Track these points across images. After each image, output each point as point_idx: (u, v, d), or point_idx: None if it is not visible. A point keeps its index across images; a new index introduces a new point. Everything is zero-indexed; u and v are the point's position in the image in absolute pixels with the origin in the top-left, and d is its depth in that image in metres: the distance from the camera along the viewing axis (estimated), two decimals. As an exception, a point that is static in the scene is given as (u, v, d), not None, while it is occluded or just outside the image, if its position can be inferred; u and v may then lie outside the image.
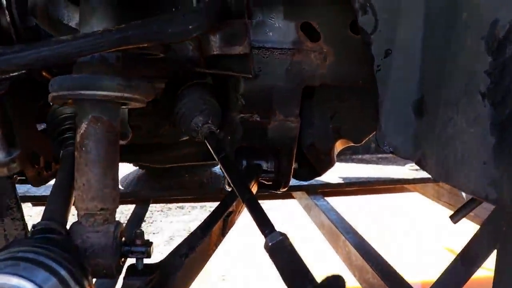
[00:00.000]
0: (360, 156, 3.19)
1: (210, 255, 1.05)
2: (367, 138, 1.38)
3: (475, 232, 1.12)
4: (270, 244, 0.82)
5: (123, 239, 0.88)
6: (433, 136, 0.86)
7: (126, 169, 2.90)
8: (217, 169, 2.79)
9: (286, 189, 1.33)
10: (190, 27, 0.81)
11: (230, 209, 1.10)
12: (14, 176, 1.24)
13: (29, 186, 2.05)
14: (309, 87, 1.19)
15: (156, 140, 1.83)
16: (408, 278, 1.59)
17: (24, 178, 1.27)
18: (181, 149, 1.88)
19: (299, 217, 2.94)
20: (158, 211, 4.16)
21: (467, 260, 1.10)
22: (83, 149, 0.85)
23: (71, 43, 0.69)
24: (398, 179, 2.67)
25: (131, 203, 2.48)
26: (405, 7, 0.90)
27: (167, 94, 1.22)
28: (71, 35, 0.70)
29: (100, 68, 0.86)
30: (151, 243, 0.89)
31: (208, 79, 1.29)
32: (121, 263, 0.87)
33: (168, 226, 3.91)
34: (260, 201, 0.96)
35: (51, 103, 0.93)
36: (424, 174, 2.78)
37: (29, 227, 0.92)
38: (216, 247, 1.08)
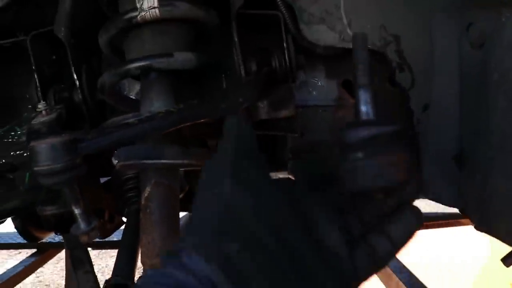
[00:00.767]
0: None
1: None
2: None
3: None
4: None
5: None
6: (474, 189, 0.89)
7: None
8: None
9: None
10: (240, 100, 0.90)
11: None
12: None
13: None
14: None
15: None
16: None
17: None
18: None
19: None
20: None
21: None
22: (147, 210, 0.94)
23: (137, 127, 0.79)
24: (450, 213, 2.63)
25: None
26: (439, 66, 0.95)
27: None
28: (136, 119, 0.80)
29: (163, 139, 0.95)
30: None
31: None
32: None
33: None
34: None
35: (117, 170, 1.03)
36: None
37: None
38: None
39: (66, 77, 1.13)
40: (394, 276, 1.91)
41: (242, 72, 0.99)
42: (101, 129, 0.82)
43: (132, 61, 0.92)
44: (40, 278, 3.90)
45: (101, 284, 1.06)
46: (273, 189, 0.46)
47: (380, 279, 2.10)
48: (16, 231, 1.44)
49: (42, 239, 1.40)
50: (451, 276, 3.82)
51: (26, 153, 1.19)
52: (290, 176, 1.27)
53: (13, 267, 2.27)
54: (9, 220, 1.47)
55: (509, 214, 0.75)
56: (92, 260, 1.26)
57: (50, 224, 1.30)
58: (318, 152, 1.21)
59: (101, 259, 3.98)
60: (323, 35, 1.05)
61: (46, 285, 3.84)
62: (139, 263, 1.01)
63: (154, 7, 0.91)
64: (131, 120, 0.80)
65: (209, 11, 0.99)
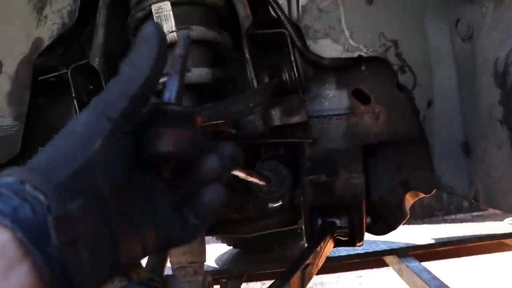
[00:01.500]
0: (453, 216, 3.11)
1: (291, 305, 1.14)
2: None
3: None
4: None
5: (211, 288, 1.02)
6: (479, 170, 0.93)
7: (220, 250, 3.07)
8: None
9: (361, 243, 1.41)
10: (251, 104, 0.99)
11: (308, 262, 1.20)
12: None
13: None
14: (370, 145, 1.31)
15: (242, 216, 2.00)
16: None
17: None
18: (265, 219, 2.02)
19: None
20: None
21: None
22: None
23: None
24: (496, 234, 2.56)
25: (226, 279, 2.61)
26: (436, 62, 1.02)
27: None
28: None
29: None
30: (236, 291, 1.01)
31: (281, 151, 1.46)
32: (210, 310, 1.00)
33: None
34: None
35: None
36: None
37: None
38: (297, 298, 1.17)
39: None
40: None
41: (255, 85, 1.09)
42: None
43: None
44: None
45: None
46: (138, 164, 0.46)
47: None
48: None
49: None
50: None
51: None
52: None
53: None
54: None
55: (506, 182, 0.79)
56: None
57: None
58: (334, 161, 1.27)
59: None
60: (328, 48, 1.14)
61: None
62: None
63: (173, 31, 1.03)
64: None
65: (223, 33, 1.11)
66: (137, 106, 0.45)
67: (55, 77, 1.26)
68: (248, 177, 1.09)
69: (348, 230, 1.37)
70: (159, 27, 0.46)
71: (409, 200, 1.46)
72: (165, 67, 0.48)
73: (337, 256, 2.56)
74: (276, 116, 1.13)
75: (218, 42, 1.10)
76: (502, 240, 2.63)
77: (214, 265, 2.83)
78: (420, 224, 2.98)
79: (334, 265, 2.66)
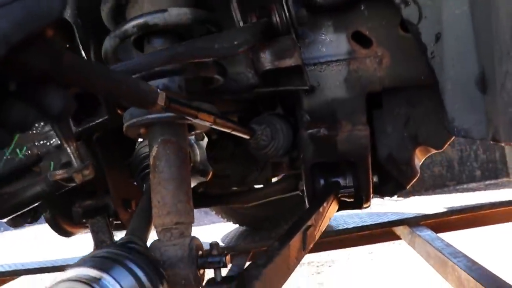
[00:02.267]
0: (465, 186, 2.99)
1: (291, 269, 1.03)
2: (449, 142, 1.32)
3: None
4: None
5: (200, 252, 0.92)
6: (499, 100, 0.81)
7: (227, 228, 2.99)
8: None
9: (368, 205, 1.29)
10: (235, 42, 0.88)
11: (309, 223, 1.10)
12: (110, 220, 1.36)
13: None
14: (375, 95, 1.19)
15: (245, 187, 1.90)
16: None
17: (120, 222, 1.38)
18: (268, 188, 1.92)
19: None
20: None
21: None
22: (156, 169, 0.92)
23: (130, 63, 0.79)
24: (510, 200, 2.43)
25: (231, 256, 2.52)
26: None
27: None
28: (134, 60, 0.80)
29: (164, 95, 0.94)
30: (227, 253, 0.91)
31: (279, 110, 1.34)
32: (199, 275, 0.89)
33: (277, 284, 3.86)
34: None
35: (128, 136, 1.03)
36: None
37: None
38: (298, 261, 1.07)
39: None
40: (449, 261, 1.77)
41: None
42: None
43: (129, 21, 0.93)
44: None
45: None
46: None
47: (434, 267, 1.96)
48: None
49: (74, 235, 1.41)
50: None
51: (50, 142, 1.22)
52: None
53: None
54: None
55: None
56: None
57: (78, 215, 1.31)
58: (335, 112, 1.16)
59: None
60: None
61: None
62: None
63: None
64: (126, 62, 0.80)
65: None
66: None
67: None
68: (230, 130, 0.98)
69: (353, 189, 1.25)
70: None
71: (419, 156, 1.34)
72: None
73: (346, 229, 2.45)
74: (266, 59, 1.02)
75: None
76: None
77: (220, 243, 2.75)
78: (431, 194, 2.86)
79: (343, 239, 2.56)
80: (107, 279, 0.67)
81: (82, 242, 2.25)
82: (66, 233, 1.38)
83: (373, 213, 2.73)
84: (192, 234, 0.95)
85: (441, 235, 2.29)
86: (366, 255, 4.23)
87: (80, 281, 0.66)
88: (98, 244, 1.17)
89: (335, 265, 4.15)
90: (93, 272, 0.67)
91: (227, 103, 1.24)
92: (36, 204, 1.24)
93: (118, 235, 1.52)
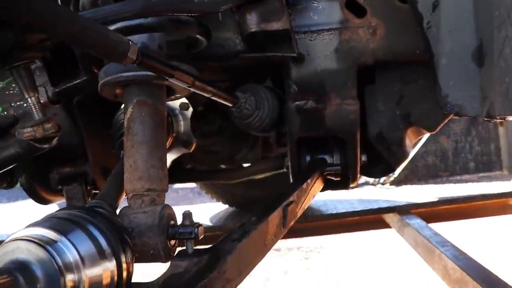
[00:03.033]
0: (458, 177, 2.95)
1: (269, 245, 0.99)
2: (442, 125, 1.27)
3: None
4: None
5: (172, 222, 0.87)
6: (496, 71, 0.76)
7: (217, 209, 2.96)
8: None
9: (355, 184, 1.25)
10: (217, -1, 0.82)
11: (291, 199, 1.05)
12: (88, 188, 1.30)
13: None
14: (368, 69, 1.13)
15: (234, 165, 1.85)
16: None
17: (98, 191, 1.33)
18: (255, 165, 1.87)
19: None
20: (254, 254, 4.12)
21: None
22: (130, 132, 0.87)
23: (100, 10, 0.73)
24: (503, 193, 2.40)
25: (218, 236, 2.49)
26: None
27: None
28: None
29: (142, 54, 0.89)
30: (200, 224, 0.86)
31: (268, 83, 1.29)
32: (169, 246, 0.84)
33: (264, 267, 3.84)
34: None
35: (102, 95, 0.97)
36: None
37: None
38: (277, 238, 1.02)
39: None
40: (436, 250, 1.74)
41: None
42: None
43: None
44: None
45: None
46: None
47: (421, 255, 1.92)
48: None
49: (51, 202, 1.36)
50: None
51: (26, 104, 1.16)
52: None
53: None
54: None
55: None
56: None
57: (55, 181, 1.27)
58: (324, 84, 1.10)
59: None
60: None
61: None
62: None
63: None
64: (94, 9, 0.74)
65: None
66: None
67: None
68: (210, 94, 0.93)
69: (340, 168, 1.20)
70: None
71: (411, 137, 1.29)
72: None
73: (336, 213, 2.41)
74: (252, 21, 0.96)
75: None
76: (508, 201, 2.47)
77: (208, 223, 2.72)
78: (424, 184, 2.82)
79: (333, 224, 2.52)
80: (63, 242, 0.62)
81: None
82: (42, 200, 1.33)
83: (364, 200, 2.69)
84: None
85: (431, 225, 2.26)
86: (356, 242, 4.20)
87: (33, 241, 0.61)
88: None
89: (324, 251, 4.12)
90: (49, 233, 0.62)
91: (214, 71, 1.18)
92: (12, 167, 1.19)
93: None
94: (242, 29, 0.97)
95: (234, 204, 2.90)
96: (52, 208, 1.41)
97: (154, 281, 0.80)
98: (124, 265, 0.71)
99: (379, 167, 1.30)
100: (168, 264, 0.85)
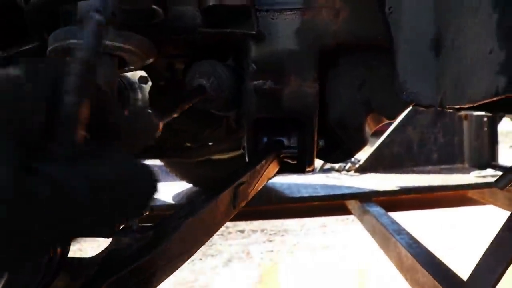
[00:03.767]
0: (421, 168, 2.99)
1: (217, 226, 0.97)
2: (401, 113, 1.27)
3: None
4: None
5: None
6: (450, 64, 0.75)
7: (179, 188, 2.93)
8: (269, 182, 2.73)
9: (311, 168, 1.24)
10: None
11: (243, 179, 1.03)
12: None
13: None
14: (331, 52, 1.12)
15: (199, 143, 1.82)
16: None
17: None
18: (213, 146, 1.85)
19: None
20: (218, 234, 4.12)
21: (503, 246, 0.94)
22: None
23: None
24: (461, 185, 2.45)
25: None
26: None
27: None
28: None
29: (93, 21, 0.85)
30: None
31: (230, 62, 1.26)
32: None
33: (227, 249, 3.86)
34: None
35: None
36: (492, 180, 2.54)
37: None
38: (227, 217, 1.00)
39: None
40: (392, 238, 1.76)
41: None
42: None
43: None
44: None
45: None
46: None
47: (378, 242, 1.95)
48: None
49: None
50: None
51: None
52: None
53: None
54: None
55: (481, 64, 0.61)
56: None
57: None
58: (283, 64, 1.08)
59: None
60: None
61: None
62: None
63: None
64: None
65: None
66: None
67: None
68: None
69: (297, 151, 1.19)
70: None
71: (371, 124, 1.29)
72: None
73: (299, 197, 2.42)
74: (211, -6, 0.93)
75: None
76: (466, 193, 2.53)
77: (171, 201, 2.69)
78: (388, 173, 2.86)
79: (296, 208, 2.53)
80: None
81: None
82: None
83: (328, 185, 2.71)
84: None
85: (392, 214, 2.30)
86: (319, 228, 4.25)
87: None
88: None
89: (287, 235, 4.16)
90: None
91: (175, 44, 1.15)
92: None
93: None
94: (200, 2, 0.94)
95: (198, 184, 2.88)
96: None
97: (93, 256, 0.77)
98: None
99: (337, 152, 1.30)
100: (110, 240, 0.82)
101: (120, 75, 1.16)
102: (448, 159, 2.98)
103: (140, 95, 1.33)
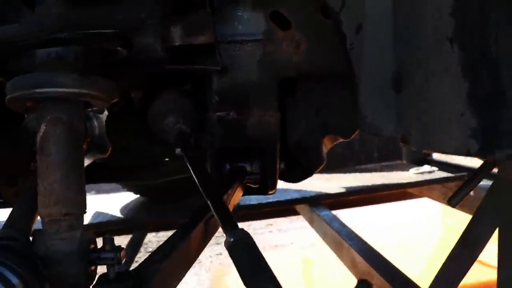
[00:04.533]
0: (363, 166, 3.13)
1: (191, 261, 0.98)
2: (356, 133, 1.32)
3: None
4: (231, 240, 0.77)
5: (92, 246, 0.82)
6: (413, 106, 0.80)
7: (127, 198, 2.86)
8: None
9: (273, 191, 1.27)
10: (142, 15, 0.77)
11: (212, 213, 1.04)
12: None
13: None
14: (289, 81, 1.15)
15: (147, 161, 1.79)
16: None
17: (1, 201, 1.23)
18: (170, 165, 1.83)
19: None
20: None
21: (469, 244, 1.02)
22: (43, 152, 0.81)
23: (9, 28, 0.66)
24: (402, 183, 2.59)
25: (129, 228, 2.42)
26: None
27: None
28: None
29: (56, 66, 0.82)
30: (122, 248, 0.82)
31: (187, 86, 1.25)
32: (90, 272, 0.80)
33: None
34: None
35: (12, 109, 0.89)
36: (430, 177, 2.70)
37: None
38: (198, 253, 1.01)
39: None
40: (345, 243, 1.84)
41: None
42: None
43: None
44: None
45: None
46: None
47: (330, 246, 2.03)
48: None
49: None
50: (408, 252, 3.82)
51: None
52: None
53: None
54: None
55: (449, 117, 0.66)
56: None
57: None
58: (246, 95, 1.10)
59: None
60: None
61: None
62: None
63: None
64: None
65: None
66: None
67: None
68: None
69: (259, 176, 1.22)
70: None
71: (327, 144, 1.33)
72: None
73: (247, 205, 2.45)
74: (176, 34, 0.92)
75: None
76: (407, 189, 2.68)
77: (119, 215, 2.62)
78: (334, 173, 2.96)
79: (244, 214, 2.56)
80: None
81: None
82: None
83: (277, 189, 2.76)
84: (94, 202, 0.85)
85: (339, 211, 2.39)
86: (265, 227, 4.32)
87: None
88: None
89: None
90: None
91: (135, 76, 1.13)
92: None
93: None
94: (166, 40, 0.93)
95: (144, 194, 2.83)
96: None
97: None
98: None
99: (296, 172, 1.34)
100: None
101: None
102: (387, 157, 3.13)
103: (96, 124, 1.30)
